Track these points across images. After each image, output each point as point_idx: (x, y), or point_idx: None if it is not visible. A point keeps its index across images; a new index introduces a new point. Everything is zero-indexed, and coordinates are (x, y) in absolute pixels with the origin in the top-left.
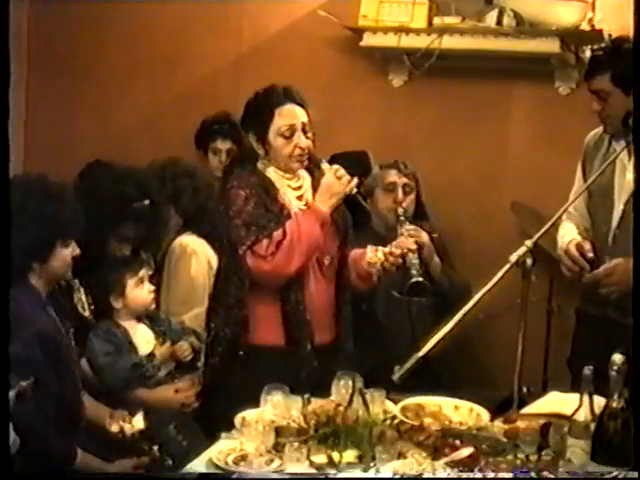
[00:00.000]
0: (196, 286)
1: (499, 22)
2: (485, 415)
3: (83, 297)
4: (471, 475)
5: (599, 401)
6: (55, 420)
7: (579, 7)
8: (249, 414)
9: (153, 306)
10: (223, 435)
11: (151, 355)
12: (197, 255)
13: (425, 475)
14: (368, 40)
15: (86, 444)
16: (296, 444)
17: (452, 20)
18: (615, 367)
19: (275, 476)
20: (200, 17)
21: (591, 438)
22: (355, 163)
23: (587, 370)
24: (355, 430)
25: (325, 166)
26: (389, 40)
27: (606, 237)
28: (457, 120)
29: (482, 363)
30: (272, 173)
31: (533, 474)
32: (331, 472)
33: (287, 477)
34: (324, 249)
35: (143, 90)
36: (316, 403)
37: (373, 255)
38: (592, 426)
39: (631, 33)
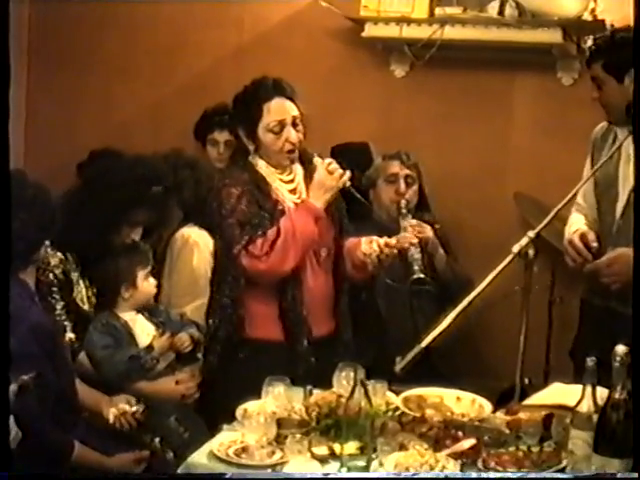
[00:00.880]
0: (198, 277)
1: (501, 12)
2: (487, 406)
3: (83, 290)
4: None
5: (602, 392)
6: (52, 413)
7: None
8: (250, 406)
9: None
10: (224, 427)
11: (149, 347)
12: (199, 246)
13: (425, 468)
14: (369, 31)
15: (85, 437)
16: (298, 436)
17: (454, 10)
18: (618, 358)
19: (270, 476)
20: (201, 8)
21: (594, 429)
22: (356, 154)
23: (590, 361)
24: (357, 422)
25: (317, 160)
26: (391, 31)
27: (610, 227)
28: (459, 111)
29: (484, 354)
30: (263, 168)
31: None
32: (333, 463)
33: (283, 477)
34: (320, 241)
35: (144, 82)
36: (318, 395)
37: (368, 247)
38: (595, 417)
39: (631, 23)
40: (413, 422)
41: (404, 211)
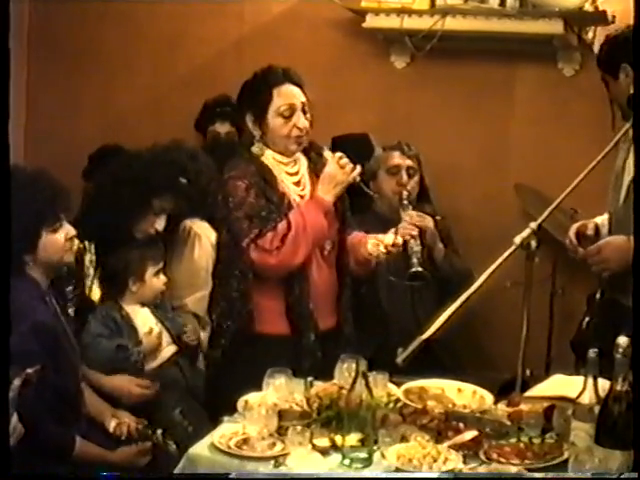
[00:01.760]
0: (199, 269)
1: (502, 3)
2: (489, 398)
3: (93, 281)
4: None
5: (603, 384)
6: (53, 409)
7: None
8: (252, 397)
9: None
10: (226, 419)
11: (139, 341)
12: (200, 238)
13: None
14: (370, 22)
15: (87, 432)
16: (299, 427)
17: (455, 1)
18: (620, 350)
19: (272, 475)
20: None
21: (595, 421)
22: (357, 146)
23: (592, 353)
24: (358, 413)
25: (327, 154)
26: (391, 22)
27: (614, 216)
28: (460, 102)
29: (485, 346)
30: (269, 159)
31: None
32: (334, 455)
33: (286, 475)
34: (326, 237)
35: (145, 74)
36: (319, 386)
37: (374, 248)
38: (596, 409)
39: (631, 17)
40: (414, 414)
41: (405, 202)
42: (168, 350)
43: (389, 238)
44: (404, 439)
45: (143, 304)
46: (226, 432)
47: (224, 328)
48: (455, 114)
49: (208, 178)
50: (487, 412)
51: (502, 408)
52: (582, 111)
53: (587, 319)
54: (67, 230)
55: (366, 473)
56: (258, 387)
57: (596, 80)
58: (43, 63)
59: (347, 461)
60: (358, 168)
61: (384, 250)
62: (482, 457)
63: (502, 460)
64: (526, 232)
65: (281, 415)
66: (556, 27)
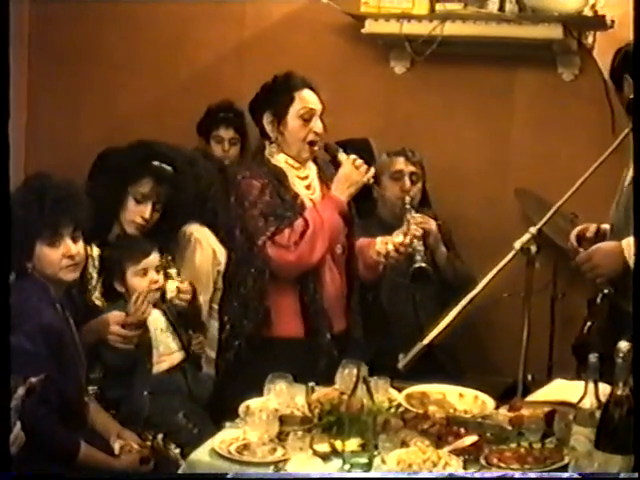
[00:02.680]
0: (200, 275)
1: (501, 8)
2: (490, 403)
3: (97, 283)
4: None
5: (604, 389)
6: (59, 414)
7: None
8: (253, 403)
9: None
10: (227, 424)
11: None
12: (201, 243)
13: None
14: (370, 27)
15: (90, 437)
16: (300, 433)
17: (454, 6)
18: (621, 354)
19: (270, 475)
20: (202, 4)
21: (596, 426)
22: (357, 150)
23: (593, 357)
24: (359, 418)
25: (342, 156)
26: (391, 27)
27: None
28: (460, 107)
29: (487, 351)
30: (282, 162)
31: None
32: (335, 460)
33: (284, 476)
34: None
35: (146, 78)
36: (320, 391)
37: (383, 247)
38: (597, 414)
39: (630, 21)
40: (415, 419)
41: (408, 207)
42: (177, 356)
43: (398, 238)
44: (405, 444)
45: (155, 304)
46: (227, 437)
47: (239, 328)
48: (455, 119)
49: (208, 183)
50: (488, 417)
51: (503, 413)
52: (582, 116)
53: (588, 324)
54: (67, 248)
55: (367, 474)
56: None
57: (596, 85)
58: (44, 66)
59: (347, 466)
60: (372, 170)
61: (392, 248)
62: (482, 462)
63: (502, 465)
64: (526, 237)
65: (282, 420)
66: (555, 32)
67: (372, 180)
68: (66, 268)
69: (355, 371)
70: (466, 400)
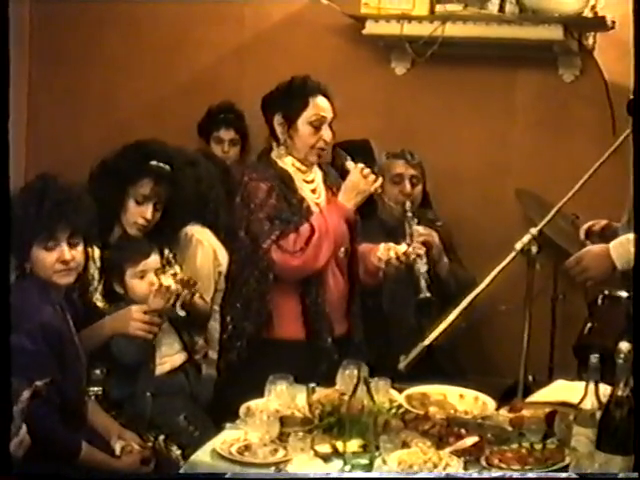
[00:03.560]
0: (201, 276)
1: (501, 9)
2: (490, 404)
3: (99, 285)
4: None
5: (605, 389)
6: (60, 414)
7: None
8: (253, 404)
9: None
10: (228, 425)
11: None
12: (202, 245)
13: (428, 465)
14: (370, 28)
15: (91, 437)
16: (300, 434)
17: (454, 7)
18: (622, 355)
19: (270, 476)
20: (202, 5)
21: (597, 426)
22: (357, 152)
23: (593, 358)
24: (360, 419)
25: (350, 164)
26: (391, 28)
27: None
28: (461, 108)
29: (487, 351)
30: (288, 165)
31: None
32: (336, 461)
33: (283, 477)
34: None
35: (146, 79)
36: (321, 392)
37: (385, 253)
38: (598, 414)
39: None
40: (416, 420)
41: (409, 215)
42: (178, 357)
43: (402, 247)
44: (405, 445)
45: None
46: (228, 438)
47: (240, 329)
48: (456, 120)
49: (209, 184)
50: (489, 418)
51: (504, 414)
52: (582, 116)
53: (589, 324)
54: (62, 253)
55: (367, 474)
56: None
57: (596, 85)
58: (44, 67)
59: (348, 467)
60: (380, 180)
61: (394, 255)
62: (483, 463)
63: (503, 466)
64: (526, 238)
65: (283, 421)
66: (556, 33)
67: (380, 190)
68: (59, 272)
69: (356, 372)
70: (467, 401)
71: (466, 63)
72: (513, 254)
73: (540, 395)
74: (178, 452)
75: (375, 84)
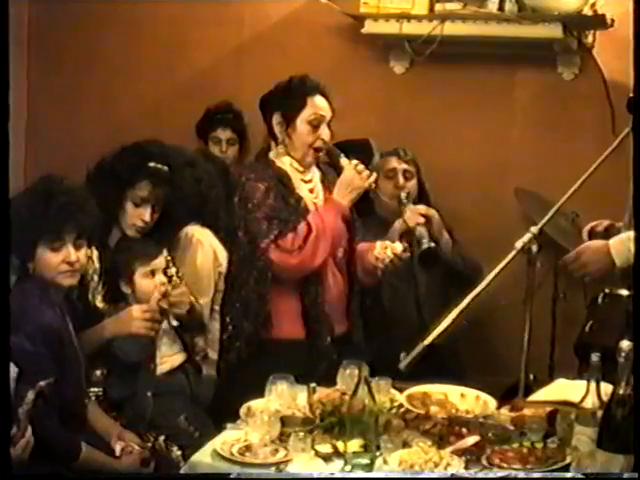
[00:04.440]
0: (201, 276)
1: (501, 8)
2: (492, 403)
3: (99, 286)
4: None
5: (606, 388)
6: (58, 415)
7: None
8: (254, 404)
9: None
10: (228, 425)
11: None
12: (202, 245)
13: (429, 465)
14: (369, 27)
15: (91, 438)
16: (301, 434)
17: (454, 6)
18: (623, 354)
19: (272, 475)
20: (201, 6)
21: (598, 425)
22: (357, 151)
23: (595, 357)
24: (360, 419)
25: (344, 161)
26: (390, 27)
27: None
28: (460, 106)
29: (488, 350)
30: (286, 165)
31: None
32: (337, 461)
33: (288, 476)
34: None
35: (145, 80)
36: (321, 392)
37: (382, 252)
38: (599, 413)
39: (630, 21)
40: (417, 419)
41: (404, 201)
42: (178, 357)
43: (398, 245)
44: (406, 445)
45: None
46: (228, 439)
47: (240, 330)
48: (455, 118)
49: (209, 184)
50: (490, 417)
51: (505, 413)
52: (582, 115)
53: (589, 323)
54: (68, 254)
55: (370, 474)
56: None
57: (596, 84)
58: (43, 68)
59: (349, 467)
60: (374, 175)
61: (390, 254)
62: (484, 462)
63: (504, 465)
64: (527, 237)
65: (283, 421)
66: (555, 31)
67: (374, 186)
68: (64, 273)
69: (356, 372)
70: (468, 400)
71: (465, 62)
72: (513, 253)
73: (541, 394)
74: (178, 453)
75: (374, 83)
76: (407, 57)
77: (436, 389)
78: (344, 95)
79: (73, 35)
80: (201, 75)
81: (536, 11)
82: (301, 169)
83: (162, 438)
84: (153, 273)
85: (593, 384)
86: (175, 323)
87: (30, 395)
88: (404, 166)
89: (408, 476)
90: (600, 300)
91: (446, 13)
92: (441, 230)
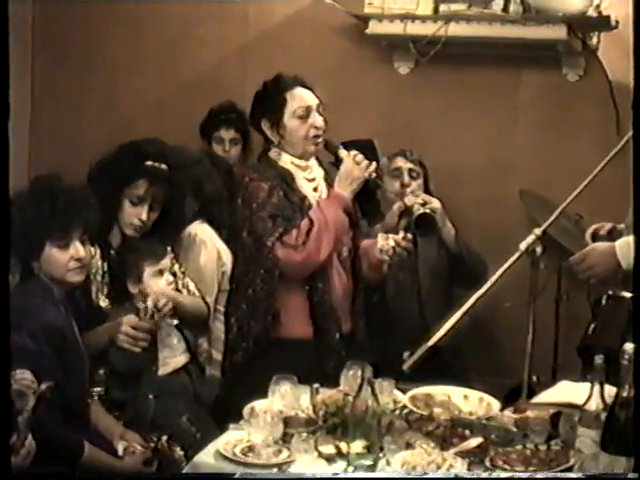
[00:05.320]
0: (204, 276)
1: (505, 9)
2: (495, 404)
3: (102, 285)
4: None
5: (610, 390)
6: (61, 414)
7: None
8: (257, 404)
9: None
10: (231, 426)
11: None
12: (206, 245)
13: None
14: (374, 28)
15: (94, 438)
16: (304, 435)
17: (458, 7)
18: (626, 356)
19: (277, 476)
20: (205, 5)
21: (601, 428)
22: (361, 151)
23: (598, 359)
24: (364, 420)
25: (343, 152)
26: (395, 27)
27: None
28: (464, 107)
29: (491, 352)
30: (288, 164)
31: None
32: (340, 462)
33: (292, 477)
34: (341, 241)
35: (148, 78)
36: (324, 393)
37: (384, 242)
38: (603, 416)
39: (630, 23)
40: (420, 420)
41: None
42: (181, 358)
43: (400, 234)
44: (410, 446)
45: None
46: (231, 439)
47: (246, 330)
48: (459, 119)
49: (209, 183)
50: (493, 419)
51: (508, 415)
52: (586, 116)
53: (593, 325)
54: (76, 250)
55: (374, 474)
56: None
57: (600, 85)
58: (47, 67)
59: (352, 468)
60: (374, 164)
61: (393, 244)
62: (487, 464)
63: (507, 467)
64: (531, 238)
65: (286, 422)
66: (560, 32)
67: (374, 175)
68: (73, 270)
69: (360, 372)
70: (471, 402)
71: (470, 63)
72: (517, 254)
73: (544, 396)
74: (181, 453)
75: (378, 84)
76: (411, 58)
77: (439, 390)
78: (348, 95)
79: (77, 34)
80: (205, 74)
81: (540, 12)
82: (303, 165)
83: (165, 438)
84: (161, 272)
85: (597, 386)
86: (175, 322)
87: (30, 402)
88: (410, 165)
89: (411, 476)
90: (604, 302)
91: (450, 14)
92: (444, 219)
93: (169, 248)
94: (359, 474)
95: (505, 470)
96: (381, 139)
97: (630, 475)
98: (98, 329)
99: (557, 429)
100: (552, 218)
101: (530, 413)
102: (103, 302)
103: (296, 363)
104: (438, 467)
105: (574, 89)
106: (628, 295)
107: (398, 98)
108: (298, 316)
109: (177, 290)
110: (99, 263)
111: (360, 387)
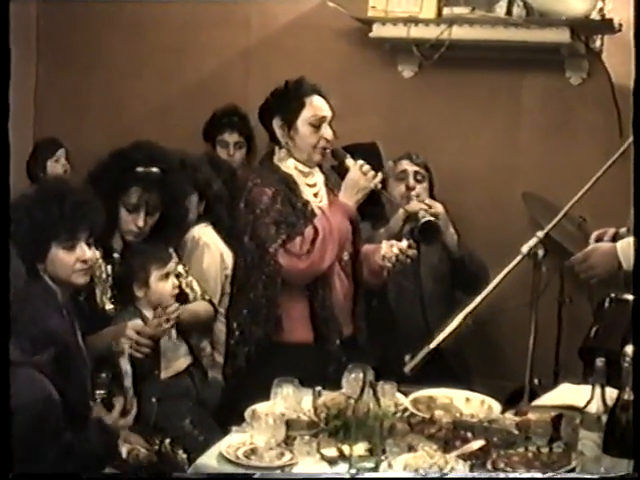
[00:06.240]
0: (207, 279)
1: (509, 12)
2: (496, 407)
3: (107, 289)
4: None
5: (611, 393)
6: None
7: None
8: (259, 407)
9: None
10: (234, 429)
11: None
12: (209, 247)
13: (434, 469)
14: (377, 31)
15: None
16: (306, 437)
17: (461, 10)
18: (627, 359)
19: (294, 476)
20: (208, 8)
21: (603, 430)
22: (365, 154)
23: (599, 361)
24: (366, 423)
25: (350, 162)
26: (398, 31)
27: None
28: (467, 111)
29: (493, 355)
30: (291, 168)
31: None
32: (342, 465)
33: (306, 477)
34: (345, 246)
35: (151, 82)
36: (327, 396)
37: (389, 250)
38: (604, 418)
39: (631, 25)
40: (422, 423)
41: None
42: (184, 361)
43: (404, 242)
44: (412, 449)
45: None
46: (234, 442)
47: (248, 334)
48: (462, 122)
49: (207, 185)
50: (495, 421)
51: (510, 417)
52: (590, 119)
53: (595, 328)
54: (82, 252)
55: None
56: None
57: (603, 88)
58: (51, 70)
59: (354, 471)
60: (380, 175)
61: (397, 252)
62: (489, 466)
63: (509, 469)
64: (533, 241)
65: (289, 425)
66: (563, 36)
67: (380, 186)
68: (78, 272)
69: (362, 375)
70: (473, 404)
71: (473, 66)
72: (519, 257)
73: (546, 399)
74: (184, 456)
75: (382, 87)
76: (415, 61)
77: (441, 393)
78: (352, 99)
79: (81, 37)
80: (208, 78)
81: (544, 15)
82: (306, 171)
83: (168, 441)
84: (168, 276)
85: (598, 389)
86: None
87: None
88: (415, 168)
89: (407, 476)
90: (606, 305)
91: (454, 17)
92: (447, 224)
93: (172, 250)
94: (361, 476)
95: (507, 472)
96: (385, 142)
97: (632, 477)
98: (102, 332)
99: (559, 431)
100: (555, 221)
101: (532, 415)
102: (107, 305)
103: (297, 367)
104: (440, 469)
105: (577, 92)
106: (630, 298)
107: (402, 101)
108: (299, 321)
109: (181, 290)
110: (103, 266)
111: (362, 390)
